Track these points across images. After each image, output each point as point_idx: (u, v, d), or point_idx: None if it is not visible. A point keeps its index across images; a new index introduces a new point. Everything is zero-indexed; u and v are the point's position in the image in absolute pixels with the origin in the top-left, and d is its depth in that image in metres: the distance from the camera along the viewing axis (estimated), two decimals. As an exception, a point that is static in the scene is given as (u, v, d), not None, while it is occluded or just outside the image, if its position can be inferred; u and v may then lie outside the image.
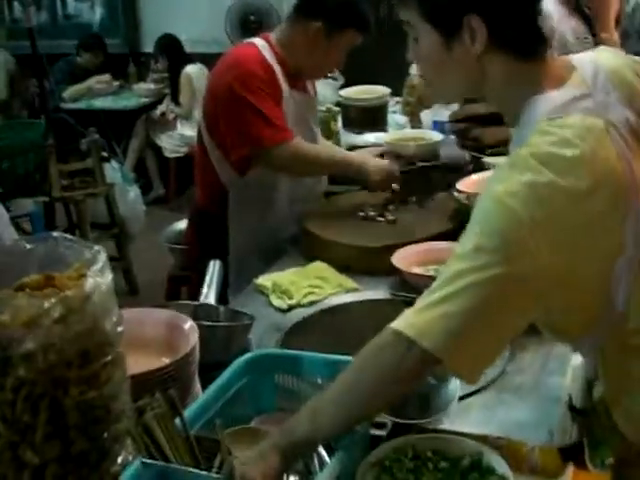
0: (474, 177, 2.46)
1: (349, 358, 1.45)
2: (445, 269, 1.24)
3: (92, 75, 6.83)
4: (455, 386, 1.48)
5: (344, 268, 2.30)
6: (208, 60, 6.48)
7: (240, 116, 2.49)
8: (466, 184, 2.42)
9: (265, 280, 2.24)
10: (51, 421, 1.09)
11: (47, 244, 1.21)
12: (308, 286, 2.17)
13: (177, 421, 1.20)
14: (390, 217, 2.53)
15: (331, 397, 1.28)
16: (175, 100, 6.63)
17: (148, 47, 6.92)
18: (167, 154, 6.67)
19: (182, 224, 3.90)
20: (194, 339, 1.43)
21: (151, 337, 1.51)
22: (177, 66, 6.54)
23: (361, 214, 2.57)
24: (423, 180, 2.81)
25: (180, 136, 6.61)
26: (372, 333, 2.05)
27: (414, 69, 4.15)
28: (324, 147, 2.80)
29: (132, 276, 5.24)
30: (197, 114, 6.56)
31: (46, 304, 1.01)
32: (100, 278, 1.09)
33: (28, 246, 1.19)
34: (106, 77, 6.87)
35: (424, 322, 1.20)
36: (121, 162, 5.87)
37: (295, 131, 2.59)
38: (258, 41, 2.61)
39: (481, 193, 1.27)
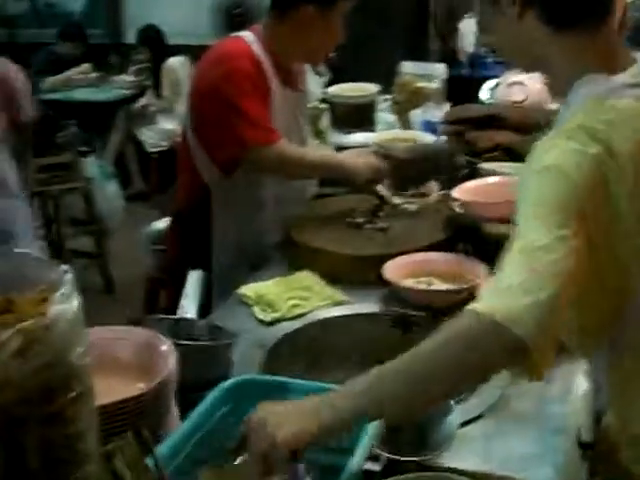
0: (470, 184, 2.35)
1: (335, 386, 1.34)
2: (515, 252, 1.19)
3: (73, 66, 6.67)
4: (454, 419, 1.36)
5: (331, 278, 2.18)
6: (191, 52, 6.36)
7: (225, 116, 2.37)
8: (462, 191, 2.30)
9: (248, 290, 2.12)
10: (8, 465, 0.96)
11: (9, 261, 1.08)
12: (293, 298, 2.04)
13: (150, 461, 1.07)
14: (380, 224, 2.41)
15: (399, 371, 1.20)
16: (157, 93, 6.48)
17: (130, 38, 6.78)
18: (148, 148, 6.52)
19: (162, 223, 3.76)
20: (172, 363, 1.30)
21: (126, 359, 1.39)
22: (159, 58, 6.40)
23: (349, 220, 2.45)
24: (414, 171, 2.69)
25: (162, 130, 6.46)
26: (361, 351, 1.97)
27: (404, 67, 4.05)
28: (310, 149, 2.68)
29: (109, 274, 5.11)
30: (179, 107, 6.43)
31: (3, 335, 0.88)
32: (65, 304, 0.96)
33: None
34: (86, 67, 6.71)
35: (514, 308, 1.11)
36: (100, 156, 5.73)
37: (284, 130, 2.47)
38: (247, 35, 2.47)
39: (523, 169, 1.32)
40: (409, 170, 2.68)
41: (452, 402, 1.39)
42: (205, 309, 2.26)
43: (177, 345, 1.45)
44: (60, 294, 0.96)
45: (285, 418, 1.17)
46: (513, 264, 1.17)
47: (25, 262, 1.09)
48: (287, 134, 2.49)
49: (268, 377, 1.37)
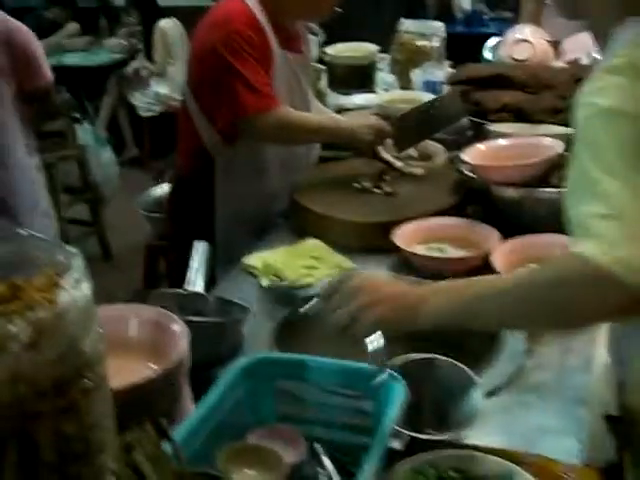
0: (480, 147, 2.28)
1: (360, 365, 1.29)
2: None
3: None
4: (477, 395, 1.31)
5: (339, 246, 2.11)
6: (183, 14, 6.25)
7: (224, 80, 2.29)
8: (471, 154, 2.23)
9: (254, 259, 2.06)
10: (22, 459, 0.90)
11: (11, 243, 1.01)
12: (302, 267, 1.98)
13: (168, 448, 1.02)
14: (388, 189, 2.34)
15: (501, 294, 1.18)
16: (149, 57, 6.37)
17: (119, 0, 6.63)
18: (141, 113, 6.41)
19: (159, 190, 3.70)
20: (185, 343, 1.25)
21: (135, 338, 1.33)
22: (150, 20, 6.27)
23: (356, 185, 2.38)
24: (418, 126, 2.63)
25: (154, 94, 6.35)
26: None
27: (403, 25, 3.95)
28: (311, 114, 2.60)
29: (106, 241, 5.04)
30: (172, 71, 6.32)
31: (12, 327, 0.82)
32: (76, 289, 0.90)
33: (-15, 247, 1.00)
34: (74, 27, 6.56)
35: (629, 257, 1.03)
36: (93, 122, 5.63)
37: (286, 93, 2.41)
38: None
39: (578, 110, 1.21)
40: (410, 127, 2.61)
41: (475, 377, 1.34)
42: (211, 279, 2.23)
43: (187, 322, 1.39)
44: (70, 279, 0.90)
45: (384, 298, 1.25)
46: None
47: (29, 243, 1.02)
48: (289, 97, 2.42)
49: (285, 355, 1.32)
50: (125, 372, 1.19)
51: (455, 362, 1.37)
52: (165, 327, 1.32)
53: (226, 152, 2.44)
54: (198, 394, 1.35)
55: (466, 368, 1.36)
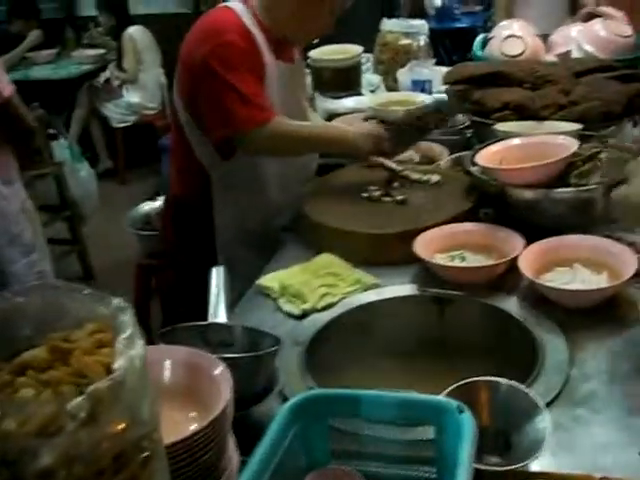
0: (491, 148, 2.20)
1: (418, 396, 1.20)
2: None
3: (27, 45, 6.38)
4: (544, 422, 1.23)
5: (355, 260, 2.02)
6: (152, 21, 6.14)
7: (217, 95, 2.20)
8: (483, 157, 2.15)
9: (270, 281, 1.96)
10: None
11: (43, 295, 0.91)
12: (322, 286, 1.89)
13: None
14: (398, 197, 2.25)
15: None
16: (119, 66, 6.23)
17: (85, 10, 6.48)
18: (114, 124, 6.29)
19: (146, 206, 3.59)
20: (228, 389, 1.15)
21: (170, 384, 1.22)
22: (120, 27, 6.13)
23: (365, 195, 2.29)
24: (415, 129, 2.56)
25: (127, 104, 6.23)
26: (402, 336, 1.84)
27: (385, 25, 3.87)
28: (308, 123, 2.50)
29: (87, 260, 4.91)
30: (143, 77, 6.20)
31: (69, 403, 0.72)
32: (131, 349, 0.80)
33: (19, 299, 0.89)
34: (36, 35, 6.39)
35: None
36: (64, 136, 5.48)
37: (281, 103, 2.32)
38: (236, 5, 2.30)
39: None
40: (405, 132, 2.53)
41: (539, 401, 1.25)
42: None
43: (220, 359, 1.29)
44: (124, 338, 0.80)
45: None
46: None
47: (64, 295, 0.92)
48: (284, 108, 2.33)
49: (336, 391, 1.22)
50: (165, 424, 1.09)
51: (517, 385, 1.28)
52: (202, 370, 1.21)
53: (222, 168, 2.35)
54: (237, 437, 1.26)
55: (528, 390, 1.27)
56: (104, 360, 0.79)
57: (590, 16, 3.44)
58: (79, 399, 0.72)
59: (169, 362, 1.24)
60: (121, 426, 0.76)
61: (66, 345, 0.83)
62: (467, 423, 1.09)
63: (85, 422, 0.73)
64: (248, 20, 2.25)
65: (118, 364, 0.77)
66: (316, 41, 3.17)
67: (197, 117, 2.29)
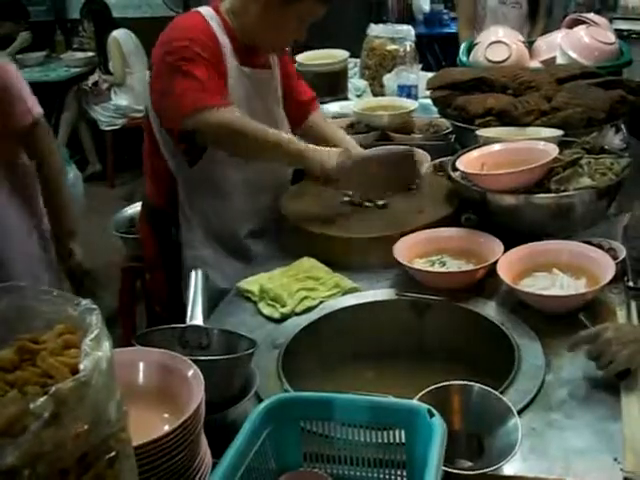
0: (473, 154, 2.21)
1: (389, 400, 1.21)
2: None
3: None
4: (517, 425, 1.23)
5: (336, 264, 2.03)
6: (139, 25, 6.14)
7: (171, 83, 2.17)
8: (464, 162, 2.16)
9: (250, 284, 1.97)
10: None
11: (11, 297, 0.91)
12: (301, 289, 1.89)
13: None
14: (379, 202, 2.26)
15: None
16: (105, 69, 6.23)
17: (75, 13, 6.49)
18: (103, 127, 6.28)
19: (131, 210, 3.58)
20: (200, 390, 1.15)
21: (144, 385, 1.23)
22: (104, 32, 6.14)
23: (346, 199, 2.29)
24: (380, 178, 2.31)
25: (115, 107, 6.23)
26: (384, 339, 1.85)
27: (372, 30, 3.88)
28: (264, 126, 2.25)
29: (74, 263, 4.88)
30: (130, 81, 6.20)
31: (33, 403, 0.73)
32: (98, 351, 0.80)
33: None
34: (25, 37, 6.37)
35: None
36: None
37: (246, 110, 2.25)
38: (204, 10, 2.29)
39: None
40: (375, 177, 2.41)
41: (511, 405, 1.26)
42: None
43: (195, 362, 1.30)
44: (90, 339, 0.81)
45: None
46: None
47: (31, 295, 0.92)
48: (249, 113, 2.26)
49: (309, 394, 1.23)
50: (139, 425, 1.09)
51: (489, 389, 1.29)
52: (175, 372, 1.22)
53: (188, 172, 2.33)
54: (211, 438, 1.27)
55: (501, 395, 1.28)
56: (70, 361, 0.80)
57: (575, 22, 3.46)
58: (42, 399, 0.73)
59: (143, 364, 1.25)
60: (86, 426, 0.76)
61: (33, 346, 0.83)
62: (437, 427, 1.10)
63: (49, 422, 0.74)
64: (215, 24, 2.25)
65: (84, 365, 0.77)
66: (295, 45, 3.09)
67: (159, 113, 2.29)
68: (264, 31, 2.25)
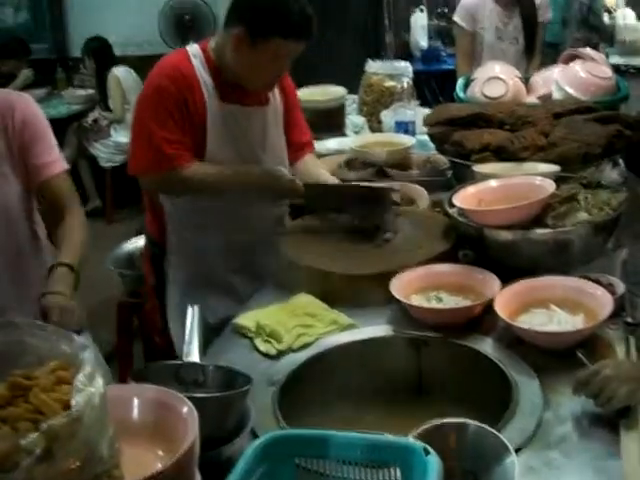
0: (469, 190, 2.21)
1: (385, 438, 1.20)
2: None
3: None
4: (513, 463, 1.22)
5: (333, 300, 2.03)
6: (140, 62, 6.19)
7: (135, 135, 2.33)
8: (461, 198, 2.17)
9: (246, 320, 1.96)
10: None
11: (5, 332, 0.91)
12: (298, 326, 1.89)
13: None
14: (385, 235, 2.26)
15: None
16: (105, 105, 6.27)
17: (76, 51, 6.54)
18: (102, 164, 6.31)
19: (130, 246, 3.59)
20: (195, 427, 1.15)
21: (138, 422, 1.22)
22: (105, 70, 6.19)
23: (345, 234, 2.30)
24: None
25: (115, 144, 6.26)
26: (382, 376, 1.84)
27: (370, 66, 3.92)
28: (221, 167, 2.32)
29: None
30: (129, 117, 6.22)
31: (24, 440, 0.72)
32: (90, 387, 0.80)
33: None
34: (26, 75, 6.41)
35: None
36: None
37: (229, 147, 2.32)
38: (192, 48, 2.35)
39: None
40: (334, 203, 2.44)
41: (507, 443, 1.25)
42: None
43: (190, 398, 1.29)
44: (82, 376, 0.80)
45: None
46: None
47: (25, 331, 0.92)
48: (232, 150, 2.34)
49: (304, 431, 1.22)
50: (132, 462, 1.09)
51: (486, 426, 1.28)
52: (170, 408, 1.21)
53: (174, 202, 2.38)
54: (206, 476, 1.26)
55: (498, 433, 1.27)
56: (63, 397, 0.79)
57: (571, 58, 3.50)
58: (34, 435, 0.72)
59: (137, 400, 1.24)
60: (78, 463, 0.76)
61: (26, 382, 0.83)
62: (433, 465, 1.10)
63: (41, 458, 0.73)
64: (198, 62, 2.29)
65: (76, 401, 0.77)
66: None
67: None
68: (242, 71, 2.27)
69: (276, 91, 2.45)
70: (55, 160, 2.06)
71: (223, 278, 2.42)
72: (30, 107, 2.05)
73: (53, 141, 2.09)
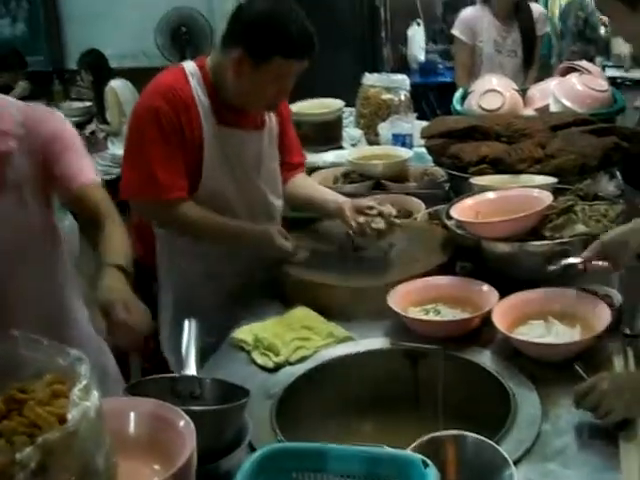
0: (467, 202, 2.21)
1: (383, 451, 1.19)
2: None
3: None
4: (511, 476, 1.22)
5: (330, 312, 2.02)
6: (137, 75, 6.19)
7: (127, 156, 2.25)
8: (459, 210, 2.17)
9: (244, 333, 1.95)
10: None
11: (2, 346, 0.91)
12: (295, 339, 1.88)
13: None
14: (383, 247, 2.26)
15: None
16: (102, 118, 6.28)
17: (73, 63, 6.56)
18: (99, 176, 6.29)
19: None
20: (192, 442, 1.14)
21: (134, 436, 1.21)
22: (102, 83, 6.19)
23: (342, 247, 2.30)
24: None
25: (112, 156, 6.24)
26: (379, 388, 1.83)
27: (367, 79, 3.92)
28: (212, 215, 2.23)
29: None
30: (126, 129, 6.23)
31: (19, 453, 0.72)
32: (86, 401, 0.79)
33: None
34: (23, 87, 6.42)
35: None
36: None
37: (221, 169, 2.23)
38: (189, 66, 2.23)
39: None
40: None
41: (506, 455, 1.25)
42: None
43: (187, 412, 1.28)
44: (79, 388, 0.80)
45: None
46: None
47: (23, 345, 0.92)
48: (224, 174, 2.25)
49: (302, 444, 1.21)
50: (129, 476, 1.08)
51: (484, 439, 1.27)
52: (168, 422, 1.20)
53: (161, 235, 2.37)
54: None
55: (496, 445, 1.27)
56: (58, 411, 0.79)
57: (568, 70, 3.51)
58: (29, 449, 0.72)
59: (133, 414, 1.23)
60: (73, 477, 0.75)
61: (21, 395, 0.82)
62: (431, 477, 1.09)
63: (36, 472, 0.73)
64: (195, 82, 2.19)
65: (71, 415, 0.76)
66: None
67: None
68: (242, 93, 2.17)
69: (272, 116, 2.37)
70: (88, 170, 1.92)
71: (215, 301, 2.31)
72: (59, 121, 1.93)
73: (85, 153, 1.95)
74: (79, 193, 1.86)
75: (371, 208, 2.25)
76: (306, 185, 2.53)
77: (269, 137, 2.37)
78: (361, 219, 2.22)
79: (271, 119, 2.37)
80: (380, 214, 2.23)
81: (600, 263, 1.87)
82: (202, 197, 2.21)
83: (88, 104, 6.46)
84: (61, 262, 1.99)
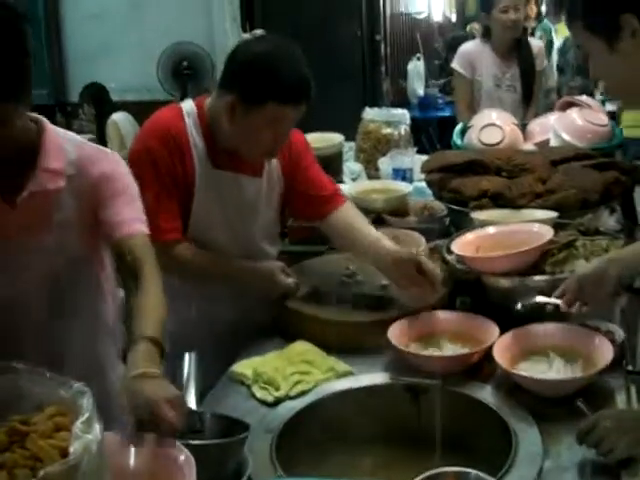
0: (468, 236, 2.22)
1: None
2: None
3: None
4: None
5: (330, 347, 2.01)
6: (138, 108, 6.24)
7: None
8: (459, 245, 2.17)
9: (244, 367, 1.95)
10: None
11: (4, 378, 0.90)
12: (295, 373, 1.87)
13: None
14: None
15: None
16: (104, 151, 6.32)
17: (75, 97, 6.61)
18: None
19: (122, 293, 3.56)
20: (192, 475, 1.13)
21: (135, 469, 1.21)
22: (104, 116, 6.24)
23: (344, 280, 2.30)
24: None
25: (113, 189, 6.28)
26: (379, 424, 1.82)
27: (367, 113, 3.95)
28: (210, 255, 2.20)
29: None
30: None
31: (20, 488, 0.71)
32: (88, 434, 0.79)
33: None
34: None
35: None
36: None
37: (215, 214, 2.19)
38: (187, 106, 2.18)
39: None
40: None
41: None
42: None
43: (187, 446, 1.28)
44: (81, 423, 0.80)
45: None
46: None
47: (25, 377, 0.91)
48: (218, 216, 2.20)
49: (303, 479, 1.21)
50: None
51: (486, 476, 1.26)
52: (168, 456, 1.20)
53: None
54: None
55: (497, 483, 1.26)
56: (60, 444, 0.78)
57: (568, 105, 3.53)
58: (28, 481, 0.71)
59: (134, 448, 1.23)
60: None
61: (23, 428, 0.82)
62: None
63: (35, 508, 0.72)
64: (191, 122, 2.14)
65: (73, 448, 0.76)
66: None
67: None
68: (237, 140, 2.11)
69: (273, 160, 2.27)
70: (134, 219, 1.77)
71: (214, 335, 2.26)
72: (113, 162, 1.82)
73: (136, 199, 1.81)
74: (120, 244, 1.74)
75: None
76: (346, 220, 2.34)
77: (268, 183, 2.28)
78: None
79: (272, 168, 2.29)
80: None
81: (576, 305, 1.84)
82: (192, 239, 2.17)
83: (90, 137, 6.49)
84: (101, 317, 1.88)
